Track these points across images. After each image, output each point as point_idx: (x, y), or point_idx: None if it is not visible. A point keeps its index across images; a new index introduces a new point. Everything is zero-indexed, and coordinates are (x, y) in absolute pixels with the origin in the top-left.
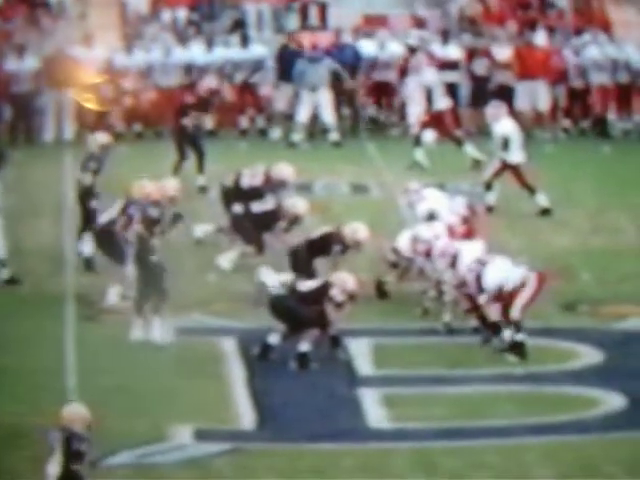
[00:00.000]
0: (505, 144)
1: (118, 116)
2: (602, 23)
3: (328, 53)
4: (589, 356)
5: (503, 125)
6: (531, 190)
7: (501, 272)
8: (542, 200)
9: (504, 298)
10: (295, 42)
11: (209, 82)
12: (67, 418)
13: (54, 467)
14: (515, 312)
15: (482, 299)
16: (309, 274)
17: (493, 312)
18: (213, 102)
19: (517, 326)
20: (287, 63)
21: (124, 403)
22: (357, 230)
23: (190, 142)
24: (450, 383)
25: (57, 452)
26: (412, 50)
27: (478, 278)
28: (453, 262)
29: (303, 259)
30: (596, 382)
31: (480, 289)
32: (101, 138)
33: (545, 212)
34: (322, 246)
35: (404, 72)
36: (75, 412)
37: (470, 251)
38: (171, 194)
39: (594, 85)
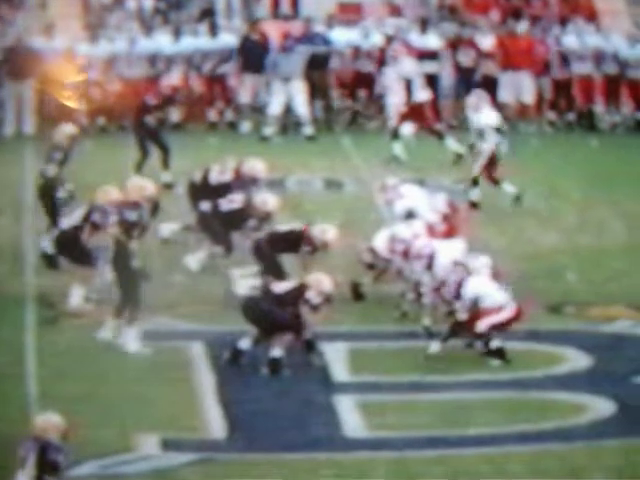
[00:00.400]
0: (482, 135)
1: (82, 109)
2: (588, 12)
3: (297, 42)
4: (576, 360)
5: (485, 115)
6: (495, 182)
7: (484, 287)
8: (509, 188)
9: (476, 312)
10: (257, 32)
11: (171, 79)
12: (41, 427)
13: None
14: (481, 326)
15: (457, 305)
16: (275, 269)
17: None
18: (176, 99)
19: (484, 338)
20: (249, 54)
21: (88, 411)
22: (326, 231)
23: (153, 138)
24: (431, 390)
25: (29, 463)
26: (389, 39)
27: (459, 283)
28: (430, 263)
29: (265, 252)
30: (584, 387)
31: (457, 295)
32: (68, 129)
33: (517, 199)
34: (288, 242)
35: (382, 62)
36: (49, 421)
37: (449, 251)
38: (149, 194)
39: (575, 76)
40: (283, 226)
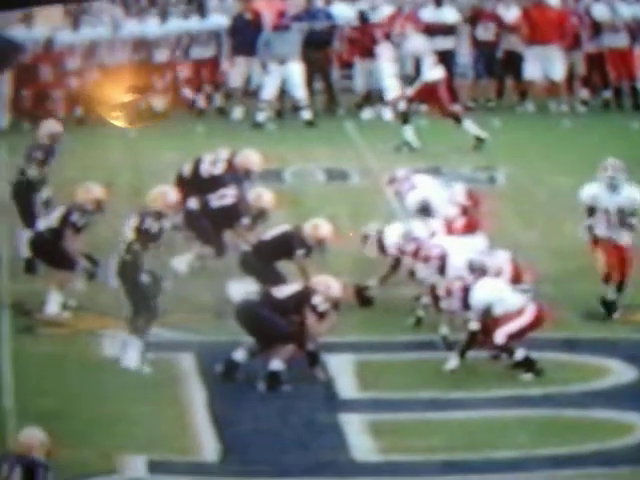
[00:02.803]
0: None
1: (60, 100)
2: None
3: (297, 20)
4: (621, 372)
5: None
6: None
7: (495, 292)
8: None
9: (489, 321)
10: (250, 11)
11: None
12: (25, 444)
13: None
14: (500, 337)
15: (468, 314)
16: (270, 280)
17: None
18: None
19: (506, 350)
20: (242, 35)
21: (67, 430)
22: (318, 227)
23: None
24: (451, 407)
25: None
26: (395, 14)
27: (465, 290)
28: (442, 265)
29: (255, 265)
30: (630, 404)
31: (465, 304)
32: (51, 126)
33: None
34: (279, 249)
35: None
36: (34, 437)
37: (466, 249)
38: (172, 201)
39: (609, 49)
40: (269, 232)
